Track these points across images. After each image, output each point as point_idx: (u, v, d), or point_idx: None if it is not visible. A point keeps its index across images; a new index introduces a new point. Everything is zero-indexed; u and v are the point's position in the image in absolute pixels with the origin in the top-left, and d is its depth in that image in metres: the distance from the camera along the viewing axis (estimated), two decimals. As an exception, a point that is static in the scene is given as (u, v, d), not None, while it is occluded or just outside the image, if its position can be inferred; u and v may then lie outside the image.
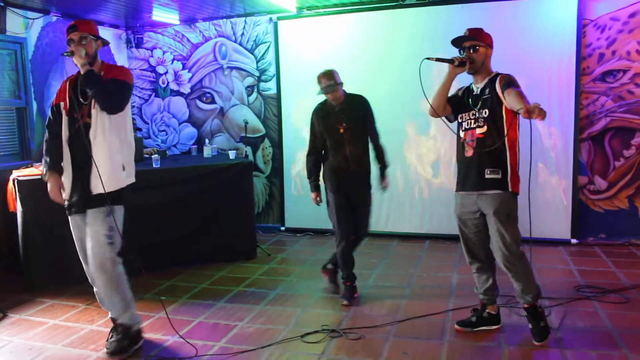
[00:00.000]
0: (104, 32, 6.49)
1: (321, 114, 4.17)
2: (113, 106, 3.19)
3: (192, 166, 5.17)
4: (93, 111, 3.20)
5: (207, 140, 6.41)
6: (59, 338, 3.61)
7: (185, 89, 6.72)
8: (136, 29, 6.70)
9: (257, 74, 6.40)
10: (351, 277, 4.17)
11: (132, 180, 3.42)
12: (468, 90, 3.38)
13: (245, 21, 6.35)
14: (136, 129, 6.42)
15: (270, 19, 6.22)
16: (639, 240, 5.28)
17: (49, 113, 3.38)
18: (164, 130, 6.88)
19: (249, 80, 6.45)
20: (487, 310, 3.47)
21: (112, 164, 3.23)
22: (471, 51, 3.23)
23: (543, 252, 5.16)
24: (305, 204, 6.03)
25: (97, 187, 3.19)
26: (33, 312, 4.10)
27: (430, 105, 3.35)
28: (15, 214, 4.63)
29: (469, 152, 3.26)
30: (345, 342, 3.38)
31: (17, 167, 4.92)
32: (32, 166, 5.03)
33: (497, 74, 3.24)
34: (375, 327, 3.57)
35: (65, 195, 3.31)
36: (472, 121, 3.26)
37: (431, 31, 5.58)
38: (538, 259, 4.93)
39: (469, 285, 3.95)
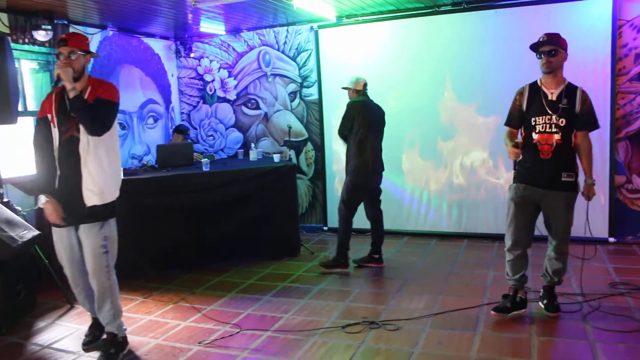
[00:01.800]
0: (155, 44, 6.93)
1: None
2: (98, 130, 3.20)
3: (239, 169, 5.46)
4: (81, 126, 3.22)
5: (252, 145, 6.74)
6: (122, 327, 3.97)
7: (231, 96, 7.07)
8: (184, 40, 7.10)
9: (299, 80, 6.69)
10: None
11: (118, 194, 3.42)
12: (538, 92, 3.61)
13: (287, 30, 6.65)
14: (185, 132, 6.76)
15: (312, 28, 6.49)
16: (678, 239, 5.30)
17: (35, 127, 3.36)
18: (211, 135, 7.26)
19: (292, 87, 6.75)
20: (518, 295, 3.74)
21: (104, 177, 3.27)
22: (551, 55, 3.47)
23: (580, 250, 5.22)
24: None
25: (90, 200, 3.23)
26: (97, 303, 4.49)
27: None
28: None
29: (546, 155, 3.54)
30: (383, 332, 3.61)
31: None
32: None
33: (573, 85, 3.55)
34: (412, 319, 3.79)
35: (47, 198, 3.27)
36: (548, 126, 3.53)
37: (466, 36, 5.76)
38: (575, 257, 5.01)
39: (504, 282, 4.14)
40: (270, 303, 4.32)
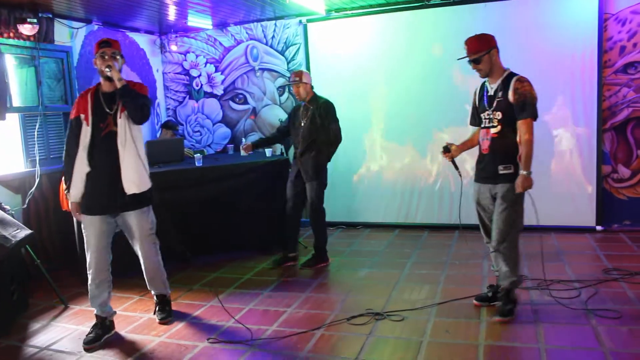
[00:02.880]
0: (140, 39, 6.82)
1: None
2: (144, 117, 3.53)
3: (233, 164, 5.43)
4: (119, 120, 3.50)
5: (243, 140, 6.70)
6: (121, 325, 3.89)
7: (219, 91, 7.01)
8: (170, 35, 6.99)
9: (288, 74, 6.66)
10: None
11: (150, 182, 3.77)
12: (483, 88, 3.65)
13: (275, 24, 6.62)
14: (175, 128, 6.66)
15: (300, 22, 6.48)
16: (663, 226, 5.47)
17: (69, 128, 3.61)
18: (198, 131, 7.18)
19: (280, 81, 6.72)
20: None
21: (141, 167, 3.58)
22: (477, 63, 3.49)
23: (570, 239, 5.38)
24: (337, 199, 6.30)
25: (130, 189, 3.52)
26: (92, 303, 4.41)
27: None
28: (68, 214, 4.93)
29: (485, 150, 3.58)
30: (389, 323, 3.64)
31: (67, 169, 5.20)
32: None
33: (511, 75, 3.49)
34: (416, 309, 3.83)
35: (77, 198, 3.57)
36: (488, 121, 3.55)
37: (455, 30, 5.78)
38: (565, 246, 5.15)
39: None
40: (271, 298, 4.30)
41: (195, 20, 6.33)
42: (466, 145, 3.81)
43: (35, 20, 4.98)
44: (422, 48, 5.97)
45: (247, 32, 6.76)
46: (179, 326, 3.84)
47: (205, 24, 6.57)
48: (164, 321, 3.90)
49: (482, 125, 3.61)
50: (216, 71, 6.97)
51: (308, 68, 6.45)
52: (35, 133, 5.18)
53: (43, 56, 5.39)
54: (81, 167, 3.52)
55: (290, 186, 5.04)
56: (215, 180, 5.25)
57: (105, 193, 3.53)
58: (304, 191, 4.99)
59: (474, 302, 3.83)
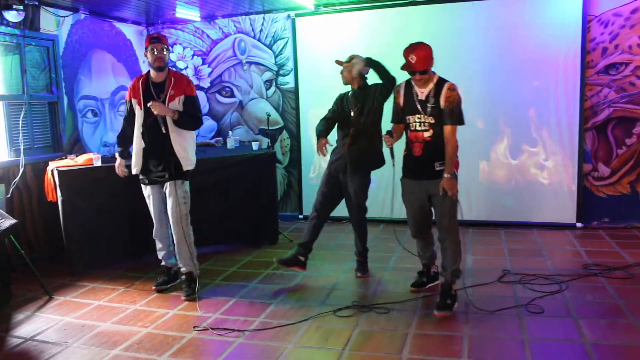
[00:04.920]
0: (127, 29, 6.76)
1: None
2: (195, 127, 4.21)
3: (221, 157, 5.43)
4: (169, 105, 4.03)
5: (230, 133, 6.69)
6: (107, 316, 3.89)
7: (205, 84, 6.98)
8: (157, 26, 6.94)
9: (275, 68, 6.66)
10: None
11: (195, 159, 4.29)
12: (411, 90, 3.71)
13: (264, 18, 6.61)
14: None
15: (289, 16, 6.48)
16: (640, 224, 5.61)
17: (124, 107, 4.29)
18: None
19: (268, 75, 6.72)
20: (432, 270, 4.20)
21: (189, 149, 4.15)
22: (422, 75, 3.58)
23: (551, 235, 5.49)
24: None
25: (185, 165, 4.11)
26: (77, 294, 4.39)
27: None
28: (52, 204, 4.90)
29: (417, 152, 3.69)
30: (375, 315, 3.69)
31: (51, 159, 5.15)
32: (66, 157, 5.24)
33: (442, 81, 3.62)
34: (402, 302, 3.89)
35: (138, 170, 4.19)
36: (419, 124, 3.67)
37: (443, 28, 5.87)
38: (547, 241, 5.26)
39: (483, 266, 4.38)
40: (257, 290, 4.32)
41: (184, 11, 6.29)
42: (395, 139, 3.85)
43: (21, 7, 4.90)
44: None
45: (235, 25, 6.75)
46: (166, 317, 3.84)
47: (193, 16, 6.53)
48: (188, 298, 4.15)
49: (413, 128, 3.69)
50: (203, 64, 6.95)
51: (296, 62, 6.47)
52: (20, 122, 5.11)
53: (29, 44, 5.32)
54: (139, 144, 4.12)
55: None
56: (202, 172, 5.22)
57: (154, 167, 4.11)
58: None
59: (411, 288, 4.13)
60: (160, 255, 4.43)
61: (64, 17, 5.72)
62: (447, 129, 3.58)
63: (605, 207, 5.69)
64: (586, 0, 5.43)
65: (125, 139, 4.28)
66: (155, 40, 4.02)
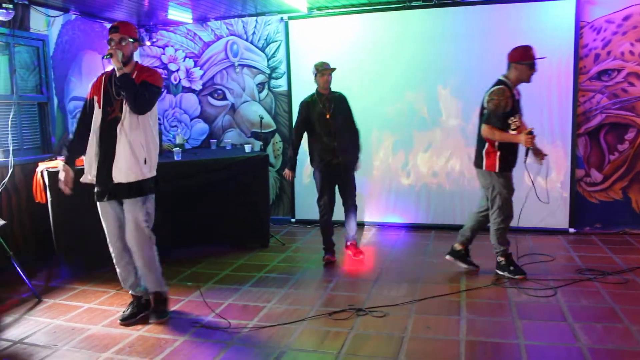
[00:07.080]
0: (118, 30, 6.67)
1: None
2: (140, 108, 3.46)
3: (213, 159, 5.38)
4: (125, 107, 3.46)
5: (223, 136, 6.64)
6: (98, 319, 3.82)
7: (197, 86, 6.93)
8: (149, 27, 6.89)
9: (268, 71, 6.63)
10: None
11: (154, 174, 3.66)
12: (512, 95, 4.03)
13: (256, 20, 6.58)
14: None
15: (282, 19, 6.46)
16: (632, 229, 5.62)
17: (82, 106, 3.67)
18: (175, 126, 7.09)
19: (260, 78, 6.68)
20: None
21: (133, 157, 3.47)
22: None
23: (544, 240, 5.49)
24: (315, 197, 6.28)
25: (117, 177, 3.48)
26: (66, 296, 4.31)
27: None
28: (41, 206, 4.82)
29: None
30: (371, 319, 3.65)
31: (41, 160, 5.07)
32: (55, 159, 5.17)
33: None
34: (397, 305, 3.86)
35: (93, 178, 3.60)
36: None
37: (436, 32, 5.89)
38: (540, 247, 5.26)
39: (478, 270, 4.35)
40: (251, 293, 4.27)
41: (176, 13, 6.25)
42: None
43: (11, 6, 4.83)
44: (403, 49, 6.02)
45: (227, 28, 6.71)
46: (157, 320, 3.78)
47: (185, 18, 6.49)
48: (159, 321, 3.73)
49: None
50: (195, 66, 6.90)
51: (289, 66, 6.44)
52: (9, 123, 5.03)
53: (18, 44, 5.25)
54: (92, 149, 3.55)
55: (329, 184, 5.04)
56: (194, 174, 5.19)
57: (101, 178, 3.55)
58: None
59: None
60: (125, 285, 3.83)
61: (55, 17, 5.66)
62: None
63: (597, 213, 5.71)
64: (579, 6, 5.47)
65: (78, 144, 3.63)
66: (113, 30, 3.44)
